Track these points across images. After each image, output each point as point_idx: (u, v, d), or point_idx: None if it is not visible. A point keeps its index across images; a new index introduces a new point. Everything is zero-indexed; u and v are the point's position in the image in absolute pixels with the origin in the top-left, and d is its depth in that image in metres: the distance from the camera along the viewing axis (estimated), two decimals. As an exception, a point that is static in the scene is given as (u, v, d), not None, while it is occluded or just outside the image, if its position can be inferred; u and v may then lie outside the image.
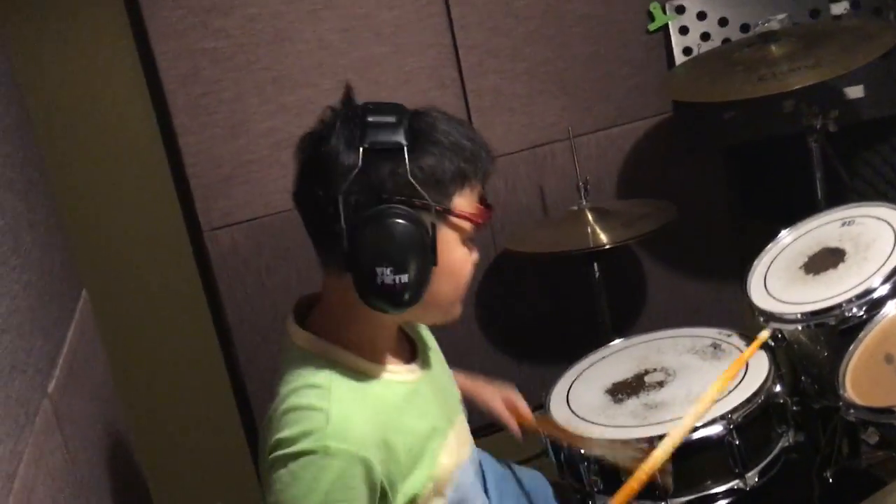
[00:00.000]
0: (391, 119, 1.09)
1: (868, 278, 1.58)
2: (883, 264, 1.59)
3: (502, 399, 1.56)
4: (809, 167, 2.03)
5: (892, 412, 1.27)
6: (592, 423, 1.65)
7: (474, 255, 1.18)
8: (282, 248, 2.23)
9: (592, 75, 2.40)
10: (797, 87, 1.78)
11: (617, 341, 1.95)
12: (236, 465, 2.35)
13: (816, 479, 1.76)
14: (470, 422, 1.40)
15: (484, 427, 1.59)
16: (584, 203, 2.16)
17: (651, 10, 2.37)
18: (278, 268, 2.24)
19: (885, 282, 1.55)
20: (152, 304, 2.24)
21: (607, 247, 2.03)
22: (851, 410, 1.35)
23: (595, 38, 2.37)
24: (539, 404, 1.78)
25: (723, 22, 2.34)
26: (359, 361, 1.15)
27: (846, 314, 1.55)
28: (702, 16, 2.34)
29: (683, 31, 2.36)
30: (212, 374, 2.30)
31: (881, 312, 1.52)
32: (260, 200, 2.19)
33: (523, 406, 1.57)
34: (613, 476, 1.59)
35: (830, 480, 1.76)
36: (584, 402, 1.72)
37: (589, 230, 2.08)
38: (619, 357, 1.88)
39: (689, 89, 2.08)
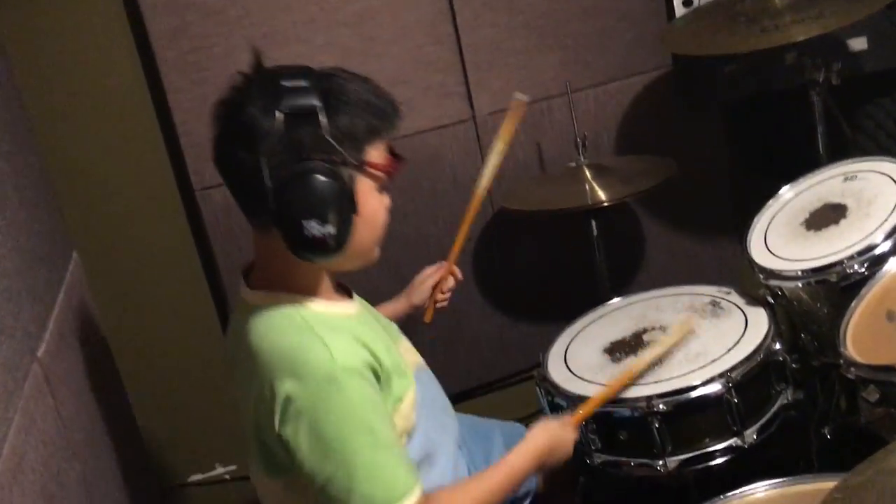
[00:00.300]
0: (304, 83, 1.17)
1: (870, 234, 1.56)
2: (885, 220, 1.57)
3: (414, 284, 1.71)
4: (811, 121, 2.00)
5: (894, 370, 1.25)
6: (590, 382, 1.64)
7: (386, 201, 1.29)
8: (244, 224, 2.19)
9: (590, 29, 2.34)
10: (800, 38, 1.74)
11: (615, 300, 1.93)
12: (234, 427, 2.35)
13: (814, 435, 1.76)
14: (451, 388, 1.45)
15: (470, 391, 1.58)
16: (582, 160, 2.12)
17: (650, -40, 2.31)
18: (244, 247, 2.22)
19: (887, 238, 1.53)
20: (145, 266, 2.22)
21: (605, 204, 2.00)
22: (852, 368, 1.34)
23: (593, -9, 2.32)
24: (537, 363, 1.77)
25: (724, -28, 2.28)
26: (312, 302, 1.27)
27: (847, 271, 1.54)
28: (703, -34, 2.28)
29: (684, -19, 2.30)
30: (208, 335, 2.28)
31: (883, 269, 1.50)
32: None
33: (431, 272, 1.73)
34: (612, 434, 1.59)
35: (829, 437, 1.76)
36: (582, 362, 1.71)
37: (587, 187, 2.06)
38: (617, 315, 1.86)
39: (689, 42, 2.04)
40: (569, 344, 1.80)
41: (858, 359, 1.35)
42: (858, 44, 2.16)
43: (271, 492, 1.32)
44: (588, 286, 2.19)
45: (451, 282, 1.75)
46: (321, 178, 1.14)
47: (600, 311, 1.91)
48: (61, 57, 2.08)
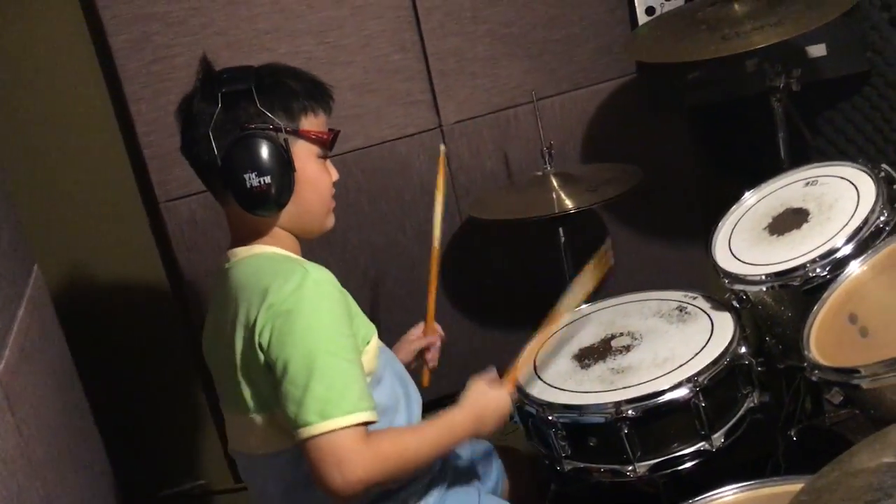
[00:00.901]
0: (241, 72, 1.40)
1: (831, 238, 1.58)
2: (846, 224, 1.59)
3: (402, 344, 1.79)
4: (773, 127, 2.03)
5: (856, 372, 1.27)
6: (560, 389, 1.64)
7: (334, 175, 1.47)
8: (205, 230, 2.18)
9: (555, 37, 2.36)
10: (760, 45, 1.76)
11: (583, 306, 1.94)
12: (202, 443, 2.33)
13: (781, 438, 1.78)
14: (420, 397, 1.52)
15: (439, 399, 1.58)
16: (549, 168, 2.13)
17: (613, -32, 2.33)
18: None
19: (848, 241, 1.55)
20: (109, 279, 2.19)
21: (572, 212, 2.01)
22: (816, 371, 1.36)
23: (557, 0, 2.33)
24: (506, 366, 1.77)
25: (685, -19, 2.31)
26: (287, 252, 1.43)
27: (810, 274, 1.56)
28: (665, -26, 2.31)
29: (646, -10, 2.33)
30: (173, 347, 2.26)
31: (845, 272, 1.52)
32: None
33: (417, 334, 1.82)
34: (582, 440, 1.59)
35: (795, 439, 1.79)
36: (551, 369, 1.71)
37: (554, 196, 2.06)
38: (586, 322, 1.87)
39: (653, 50, 2.06)
40: (538, 351, 1.80)
41: (822, 361, 1.37)
42: (818, 50, 2.20)
43: (255, 432, 1.38)
44: (556, 293, 2.19)
45: (436, 342, 1.82)
46: (257, 140, 1.35)
47: (569, 317, 1.91)
48: (22, 69, 2.05)
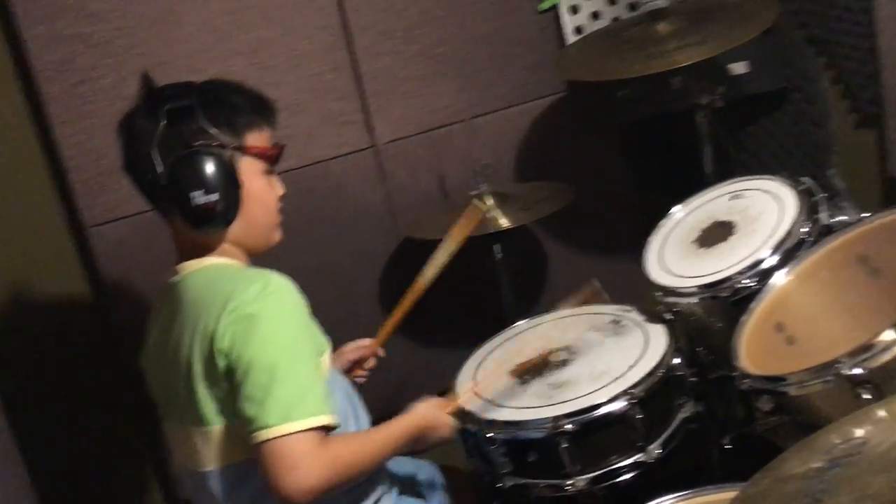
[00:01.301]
0: (184, 88, 1.39)
1: (757, 249, 1.63)
2: (770, 235, 1.64)
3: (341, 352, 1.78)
4: (699, 142, 2.08)
5: (784, 380, 1.31)
6: (500, 405, 1.65)
7: (280, 189, 1.47)
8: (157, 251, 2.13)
9: (487, 56, 2.38)
10: (684, 63, 1.81)
11: (520, 322, 1.95)
12: (133, 473, 2.26)
13: (715, 447, 1.82)
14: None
15: (377, 421, 1.57)
16: (484, 187, 2.15)
17: (542, -11, 2.37)
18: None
19: (773, 252, 1.60)
20: (35, 306, 2.12)
21: (507, 228, 2.03)
22: (746, 380, 1.39)
23: (488, 19, 2.36)
24: (444, 390, 1.77)
25: (612, 0, 2.36)
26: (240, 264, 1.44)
27: (738, 285, 1.60)
28: (591, -6, 2.36)
29: (574, 9, 2.37)
30: (102, 379, 2.19)
31: (770, 282, 1.56)
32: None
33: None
34: (521, 456, 1.60)
35: (728, 447, 1.82)
36: (491, 386, 1.72)
37: (489, 214, 2.08)
38: (524, 338, 1.88)
39: (582, 68, 2.10)
40: (476, 369, 1.81)
41: (751, 370, 1.40)
42: (739, 68, 2.27)
43: (212, 445, 1.36)
44: (494, 310, 2.21)
45: (371, 361, 1.82)
46: (202, 157, 1.34)
47: (506, 334, 1.93)
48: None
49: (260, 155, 1.42)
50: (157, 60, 2.06)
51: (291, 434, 1.24)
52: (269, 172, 1.45)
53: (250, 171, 1.40)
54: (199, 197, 1.33)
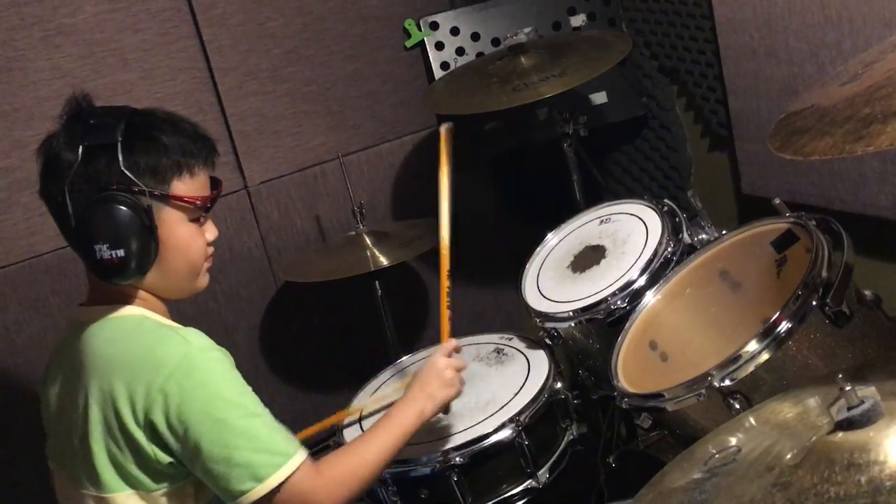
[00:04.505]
0: (109, 120, 1.25)
1: (627, 271, 1.68)
2: (639, 257, 1.70)
3: None
4: (567, 170, 2.15)
5: (661, 396, 1.35)
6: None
7: (211, 235, 1.35)
8: (30, 299, 2.02)
9: (356, 93, 2.39)
10: (548, 95, 1.87)
11: (404, 357, 1.94)
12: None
13: (601, 465, 1.86)
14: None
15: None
16: (361, 227, 2.14)
17: (406, 26, 2.40)
18: (29, 321, 2.03)
19: (642, 273, 1.66)
20: None
21: (386, 266, 2.02)
22: (625, 399, 1.43)
23: (355, 57, 2.37)
24: (333, 431, 1.74)
25: (475, 36, 2.42)
26: (155, 315, 1.32)
27: (612, 307, 1.64)
28: (455, 31, 2.41)
29: (439, 46, 2.42)
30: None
31: (642, 302, 1.62)
32: (0, 248, 1.97)
33: None
34: (412, 493, 1.58)
35: (613, 465, 1.87)
36: (360, 435, 1.69)
37: (368, 254, 2.07)
38: (409, 372, 1.87)
39: (450, 102, 2.13)
40: (361, 415, 1.78)
41: (629, 389, 1.44)
42: (599, 98, 2.37)
43: None
44: (378, 346, 2.19)
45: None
46: (114, 206, 1.21)
47: (391, 370, 1.91)
48: None
49: (186, 204, 1.28)
50: (7, 108, 1.96)
51: (280, 485, 1.21)
52: (198, 219, 1.32)
53: (172, 220, 1.28)
54: (103, 251, 1.21)
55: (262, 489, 1.20)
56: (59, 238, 1.30)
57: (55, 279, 2.05)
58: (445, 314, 1.59)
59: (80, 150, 1.22)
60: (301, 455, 1.25)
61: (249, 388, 1.27)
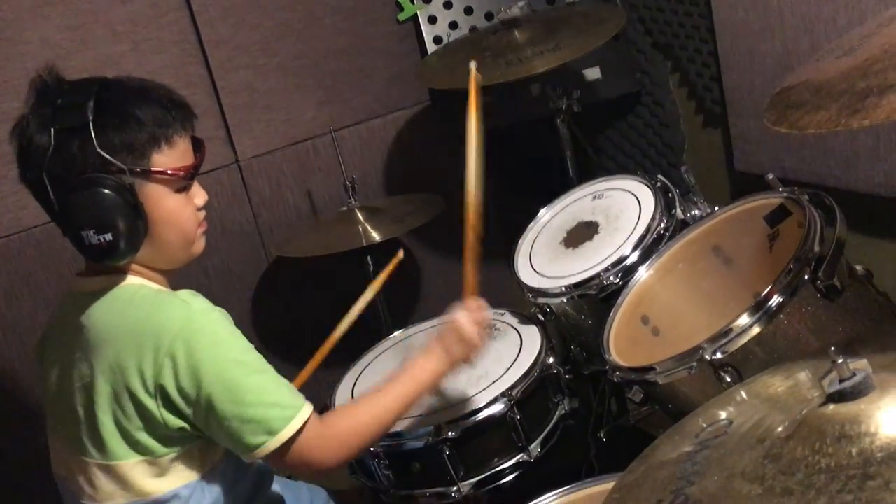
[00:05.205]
0: (78, 98, 1.20)
1: (620, 247, 1.69)
2: (632, 232, 1.70)
3: None
4: (560, 146, 2.14)
5: (652, 370, 1.36)
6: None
7: (200, 199, 1.32)
8: (22, 274, 2.01)
9: (348, 67, 2.37)
10: (541, 69, 1.86)
11: (396, 333, 1.94)
12: None
13: (592, 440, 1.87)
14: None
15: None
16: (353, 202, 2.13)
17: (399, 0, 2.38)
18: (20, 295, 2.02)
19: (635, 248, 1.66)
20: None
21: (378, 242, 2.02)
22: (617, 372, 1.43)
23: (347, 31, 2.35)
24: (325, 405, 1.74)
25: (468, 11, 2.40)
26: (154, 284, 1.30)
27: (604, 283, 1.65)
28: (448, 5, 2.39)
29: (432, 20, 2.40)
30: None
31: (634, 277, 1.62)
32: (-10, 222, 1.96)
33: None
34: (405, 467, 1.59)
35: (604, 440, 1.88)
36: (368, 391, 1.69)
37: (360, 229, 2.07)
38: (400, 348, 1.88)
39: (443, 77, 2.12)
40: (356, 381, 1.79)
41: (621, 363, 1.44)
42: (593, 73, 2.36)
43: (118, 479, 1.27)
44: (370, 322, 2.18)
45: None
46: (95, 190, 1.18)
47: (383, 345, 1.92)
48: None
49: (169, 176, 1.25)
50: (-7, 81, 1.94)
51: (287, 440, 1.22)
52: (184, 188, 1.29)
53: (157, 194, 1.25)
54: (91, 237, 1.18)
55: (275, 441, 1.22)
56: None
57: (44, 253, 2.04)
58: (470, 270, 1.54)
59: (52, 133, 1.18)
60: (309, 408, 1.26)
61: (252, 346, 1.28)
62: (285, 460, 1.25)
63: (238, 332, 1.27)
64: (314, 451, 1.26)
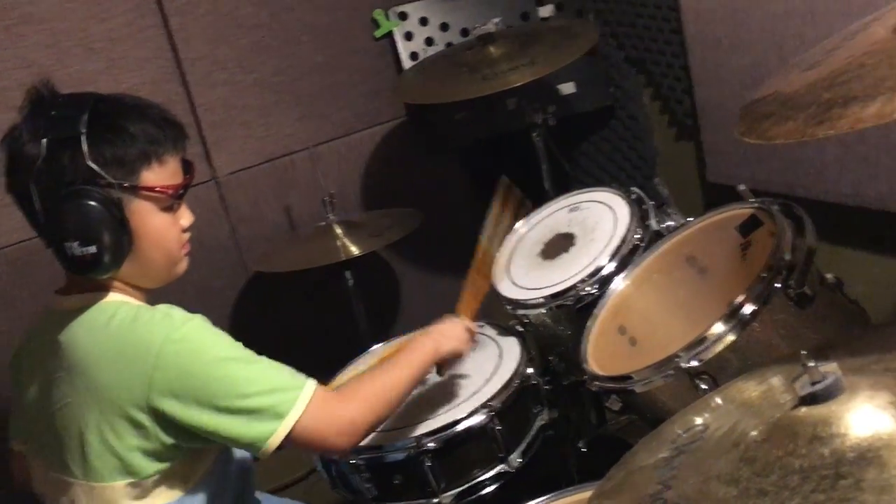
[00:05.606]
0: (72, 111, 1.21)
1: (596, 257, 1.71)
2: (608, 243, 1.72)
3: None
4: (536, 159, 2.17)
5: (630, 378, 1.37)
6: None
7: (186, 220, 1.33)
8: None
9: (325, 83, 2.38)
10: (517, 84, 1.88)
11: (376, 346, 1.95)
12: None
13: (572, 450, 1.88)
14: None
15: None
16: (332, 217, 2.14)
17: (375, 17, 2.40)
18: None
19: (611, 259, 1.68)
20: None
21: (358, 255, 2.03)
22: (595, 382, 1.45)
23: (323, 47, 2.36)
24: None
25: (444, 27, 2.43)
26: (133, 300, 1.30)
27: (581, 293, 1.66)
28: (424, 21, 2.42)
29: (408, 36, 2.42)
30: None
31: (611, 288, 1.64)
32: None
33: None
34: (386, 479, 1.59)
35: (584, 450, 1.89)
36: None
37: (339, 243, 2.07)
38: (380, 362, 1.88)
39: (420, 92, 2.14)
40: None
41: (599, 372, 1.46)
42: (568, 88, 2.39)
43: (100, 501, 1.26)
44: (350, 336, 2.19)
45: None
46: (82, 202, 1.18)
47: (363, 358, 1.92)
48: None
49: (157, 194, 1.26)
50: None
51: (301, 416, 1.22)
52: (171, 206, 1.30)
53: (144, 211, 1.25)
54: (74, 248, 1.18)
55: (286, 425, 1.22)
56: (22, 230, 1.29)
57: (20, 272, 2.02)
58: (469, 301, 1.71)
59: (44, 144, 1.18)
60: (312, 383, 1.27)
61: (238, 342, 1.28)
62: (303, 441, 1.24)
63: (221, 332, 1.28)
64: (326, 425, 1.26)
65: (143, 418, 1.22)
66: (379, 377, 1.37)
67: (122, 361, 1.21)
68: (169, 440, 1.24)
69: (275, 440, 1.23)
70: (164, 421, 1.22)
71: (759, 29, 1.88)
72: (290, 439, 1.24)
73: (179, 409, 1.21)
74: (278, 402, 1.23)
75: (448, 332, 1.51)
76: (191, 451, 1.28)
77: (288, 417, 1.22)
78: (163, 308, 1.27)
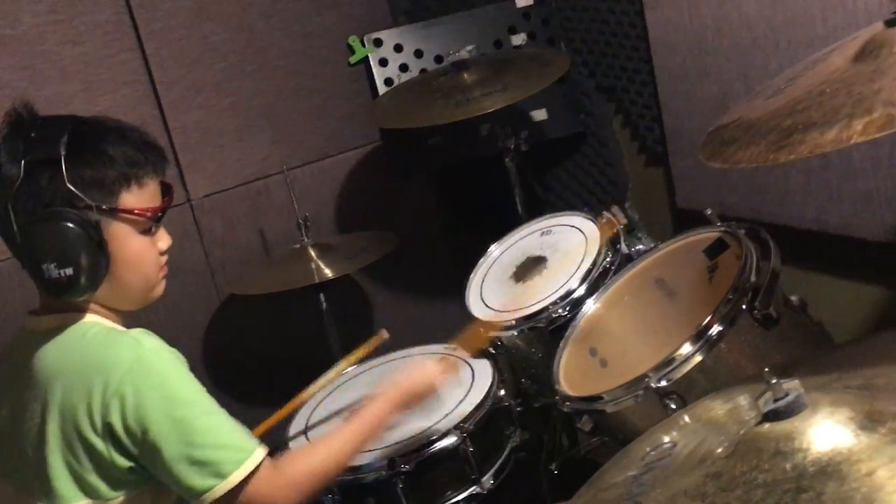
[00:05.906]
0: (52, 132, 1.21)
1: (567, 280, 1.73)
2: (578, 267, 1.75)
3: None
4: (509, 184, 2.20)
5: (600, 398, 1.39)
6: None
7: (164, 244, 1.32)
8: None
9: (300, 108, 2.40)
10: (490, 110, 1.92)
11: (350, 369, 1.95)
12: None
13: (544, 472, 1.89)
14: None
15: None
16: (306, 240, 2.15)
17: (350, 43, 2.43)
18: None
19: (582, 282, 1.71)
20: None
21: (331, 278, 2.04)
22: (567, 403, 1.47)
23: (298, 72, 2.39)
24: (278, 444, 1.73)
25: (418, 53, 2.46)
26: (106, 321, 1.29)
27: (553, 315, 1.69)
28: (398, 48, 2.45)
29: (383, 62, 2.45)
30: None
31: (582, 310, 1.67)
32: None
33: None
34: (359, 502, 1.59)
35: (556, 472, 1.90)
36: (323, 434, 1.70)
37: (313, 266, 2.08)
38: (354, 383, 1.89)
39: (394, 117, 2.16)
40: (309, 417, 1.79)
41: (570, 393, 1.48)
42: (540, 114, 2.43)
43: None
44: (323, 358, 2.19)
45: None
46: (60, 224, 1.18)
47: (336, 381, 1.92)
48: None
49: (136, 217, 1.25)
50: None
51: (240, 483, 1.21)
52: (149, 229, 1.29)
53: (122, 233, 1.25)
54: (51, 270, 1.17)
55: (225, 485, 1.20)
56: (-3, 250, 1.28)
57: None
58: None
59: (22, 165, 1.18)
60: (262, 451, 1.25)
61: (204, 388, 1.26)
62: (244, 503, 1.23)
63: (189, 374, 1.26)
64: (265, 496, 1.24)
65: (99, 443, 1.21)
66: (330, 446, 1.35)
67: (87, 382, 1.20)
68: (125, 465, 1.23)
69: (209, 497, 1.21)
70: (119, 446, 1.22)
71: (726, 59, 1.93)
72: (225, 500, 1.22)
73: (127, 438, 1.21)
74: (224, 460, 1.21)
75: (415, 375, 1.47)
76: (157, 481, 1.26)
77: (230, 478, 1.21)
78: (136, 333, 1.26)
